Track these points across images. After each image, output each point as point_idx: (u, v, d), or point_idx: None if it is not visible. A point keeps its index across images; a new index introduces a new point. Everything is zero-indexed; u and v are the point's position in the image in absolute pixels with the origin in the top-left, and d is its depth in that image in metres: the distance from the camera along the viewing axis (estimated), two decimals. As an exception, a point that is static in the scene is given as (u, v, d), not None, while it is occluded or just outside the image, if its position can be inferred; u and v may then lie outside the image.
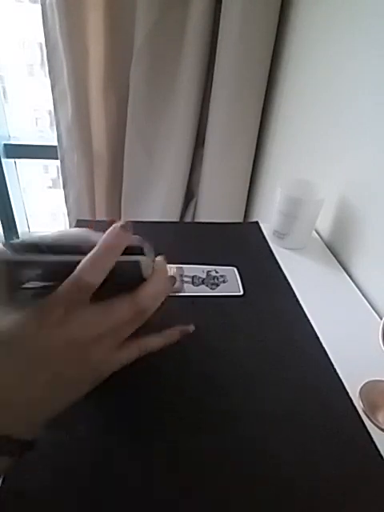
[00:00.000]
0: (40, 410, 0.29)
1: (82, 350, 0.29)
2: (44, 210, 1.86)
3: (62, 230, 0.35)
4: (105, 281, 0.30)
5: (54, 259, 0.30)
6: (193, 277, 0.57)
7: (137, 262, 0.32)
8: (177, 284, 0.56)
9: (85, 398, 0.31)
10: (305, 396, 0.41)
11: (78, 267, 0.29)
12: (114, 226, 0.33)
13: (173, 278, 0.38)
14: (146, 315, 0.32)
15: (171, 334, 0.38)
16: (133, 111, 1.09)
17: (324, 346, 0.47)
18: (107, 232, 0.32)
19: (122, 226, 0.33)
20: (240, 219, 1.25)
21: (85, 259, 0.29)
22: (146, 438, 0.35)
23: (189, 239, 0.67)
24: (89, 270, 0.29)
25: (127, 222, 0.33)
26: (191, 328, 0.40)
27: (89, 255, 0.30)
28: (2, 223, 1.47)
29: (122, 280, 0.31)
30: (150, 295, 0.33)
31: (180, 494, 0.32)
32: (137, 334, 0.33)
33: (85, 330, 0.29)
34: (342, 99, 0.69)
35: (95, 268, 0.29)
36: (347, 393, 0.41)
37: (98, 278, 0.29)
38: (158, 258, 0.36)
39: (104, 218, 1.30)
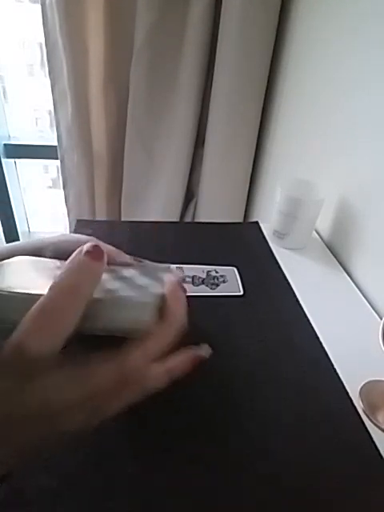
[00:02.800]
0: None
1: (49, 420, 0.23)
2: (44, 210, 1.85)
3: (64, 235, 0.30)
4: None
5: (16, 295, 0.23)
6: (193, 277, 0.57)
7: (142, 304, 0.25)
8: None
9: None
10: (305, 396, 0.41)
11: (19, 327, 0.21)
12: (78, 250, 0.23)
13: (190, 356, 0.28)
14: (134, 386, 0.25)
15: (178, 366, 0.28)
16: (133, 111, 1.09)
17: (324, 346, 0.47)
18: (67, 263, 0.23)
19: (89, 252, 0.23)
20: (240, 219, 1.25)
21: (28, 315, 0.21)
22: (145, 438, 0.35)
23: (189, 239, 0.67)
24: (32, 334, 0.21)
25: (97, 247, 0.23)
26: (207, 351, 0.30)
27: (33, 308, 0.21)
28: (1, 223, 1.47)
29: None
30: (144, 356, 0.25)
31: (180, 494, 0.32)
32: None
33: (54, 398, 0.22)
34: (342, 99, 0.69)
35: (40, 331, 0.21)
36: (347, 393, 0.41)
37: (45, 346, 0.21)
38: (169, 281, 0.28)
39: (104, 218, 1.30)
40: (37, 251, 0.29)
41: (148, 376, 0.26)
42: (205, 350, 0.30)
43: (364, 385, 0.42)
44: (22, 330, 0.21)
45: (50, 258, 0.30)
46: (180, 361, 0.28)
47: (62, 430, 0.23)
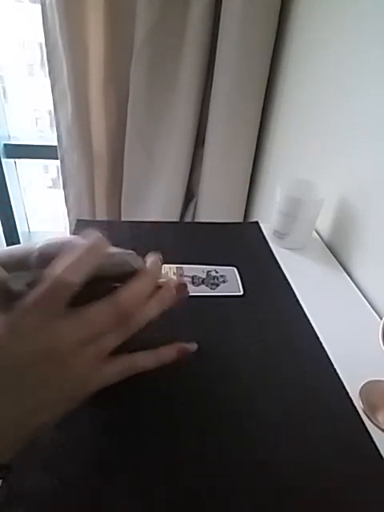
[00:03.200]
0: (13, 431, 0.26)
1: (59, 361, 0.26)
2: (44, 210, 1.85)
3: (49, 240, 0.33)
4: (89, 287, 0.27)
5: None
6: (193, 277, 0.57)
7: (123, 261, 0.30)
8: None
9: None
10: (305, 396, 0.41)
11: (56, 266, 0.26)
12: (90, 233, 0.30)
13: (173, 284, 0.34)
14: (130, 320, 0.29)
15: (166, 353, 0.33)
16: (133, 111, 1.09)
17: (324, 345, 0.47)
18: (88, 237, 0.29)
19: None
20: (240, 219, 1.25)
21: (63, 258, 0.26)
22: (145, 438, 0.35)
23: (189, 239, 0.67)
24: (67, 268, 0.26)
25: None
26: (193, 347, 0.35)
27: (69, 255, 0.27)
28: (2, 223, 1.47)
29: (108, 284, 0.29)
30: (133, 295, 0.29)
31: (180, 495, 0.32)
32: (126, 351, 0.30)
33: (62, 338, 0.26)
34: (342, 99, 0.69)
35: (74, 266, 0.26)
36: (347, 393, 0.41)
37: (77, 277, 0.26)
38: (151, 258, 0.33)
39: (104, 218, 1.30)
40: (21, 264, 0.32)
41: (140, 311, 0.30)
42: (192, 346, 0.35)
43: (364, 385, 0.42)
44: (59, 268, 0.26)
45: (36, 267, 0.32)
46: (168, 347, 0.34)
47: (77, 373, 0.27)
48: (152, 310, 0.31)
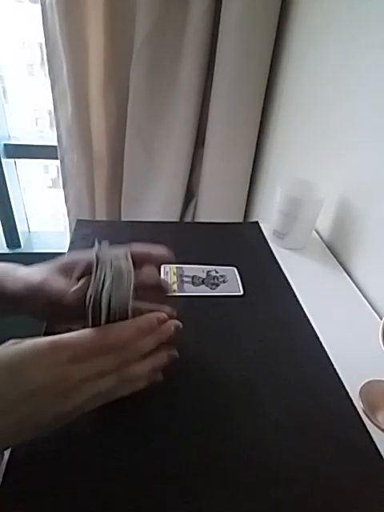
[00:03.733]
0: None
1: (62, 395, 0.29)
2: (44, 210, 1.85)
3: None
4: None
5: None
6: (193, 277, 0.57)
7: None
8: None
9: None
10: (305, 396, 0.41)
11: (125, 330, 0.32)
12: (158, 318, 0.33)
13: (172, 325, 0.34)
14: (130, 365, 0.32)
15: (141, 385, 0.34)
16: (133, 111, 1.09)
17: (324, 345, 0.47)
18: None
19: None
20: (240, 219, 1.25)
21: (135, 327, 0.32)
22: (145, 439, 0.35)
23: (189, 239, 0.67)
24: (135, 342, 0.32)
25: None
26: (174, 354, 0.36)
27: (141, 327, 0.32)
28: (2, 223, 1.46)
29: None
30: (137, 350, 0.32)
31: (180, 495, 0.32)
32: None
33: (72, 375, 0.29)
34: (341, 99, 0.69)
35: (141, 344, 0.32)
36: (347, 393, 0.41)
37: (135, 355, 0.32)
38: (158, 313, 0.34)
39: (104, 218, 1.30)
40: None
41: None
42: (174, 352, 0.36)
43: (364, 385, 0.42)
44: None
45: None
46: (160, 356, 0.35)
47: (64, 409, 0.29)
48: (150, 361, 0.34)
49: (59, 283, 0.38)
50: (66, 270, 0.40)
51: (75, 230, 0.66)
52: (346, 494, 0.33)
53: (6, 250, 1.50)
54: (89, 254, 0.36)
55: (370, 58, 0.61)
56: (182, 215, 1.27)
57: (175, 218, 1.24)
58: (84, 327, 0.31)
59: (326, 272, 0.63)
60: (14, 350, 0.28)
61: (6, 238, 1.50)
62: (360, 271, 0.61)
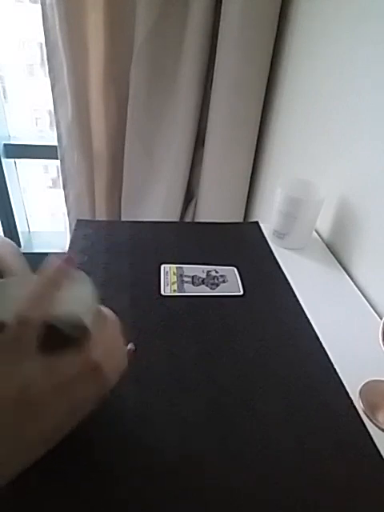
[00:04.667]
0: None
1: (28, 408, 0.25)
2: (44, 210, 1.85)
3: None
4: (50, 333, 0.26)
5: None
6: (193, 277, 0.57)
7: (75, 319, 0.28)
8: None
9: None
10: (305, 396, 0.41)
11: (17, 306, 0.26)
12: (53, 259, 0.29)
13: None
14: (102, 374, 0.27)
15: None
16: (133, 111, 1.09)
17: (324, 346, 0.47)
18: (47, 267, 0.29)
19: (65, 259, 0.29)
20: (240, 219, 1.25)
21: (23, 297, 0.26)
22: (144, 437, 0.35)
23: (189, 239, 0.67)
24: (27, 305, 0.26)
25: (70, 257, 0.30)
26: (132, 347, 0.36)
27: (27, 292, 0.27)
28: (1, 223, 1.47)
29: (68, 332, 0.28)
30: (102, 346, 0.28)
31: (180, 495, 0.32)
32: None
33: (34, 383, 0.25)
34: (341, 99, 0.69)
35: (35, 301, 0.26)
36: (347, 393, 0.41)
37: (39, 312, 0.26)
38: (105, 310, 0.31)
39: (104, 218, 1.30)
40: None
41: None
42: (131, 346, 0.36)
43: (364, 385, 0.42)
44: (21, 306, 0.25)
45: None
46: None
47: (41, 427, 0.25)
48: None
49: None
50: None
51: (75, 229, 0.66)
52: (346, 494, 0.33)
53: (6, 250, 1.50)
54: None
55: (370, 58, 0.61)
56: (182, 215, 1.27)
57: (175, 218, 1.24)
58: None
59: (326, 272, 0.63)
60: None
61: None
62: (360, 271, 0.61)
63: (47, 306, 0.26)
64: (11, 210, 1.44)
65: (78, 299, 0.29)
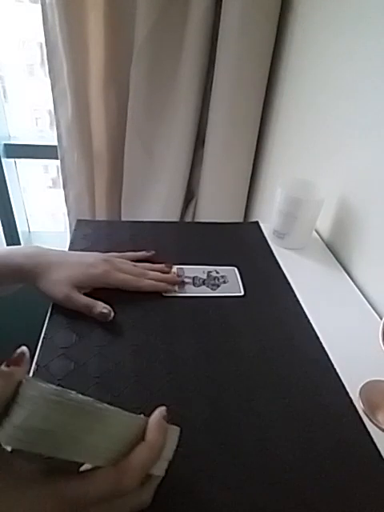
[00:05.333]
0: None
1: None
2: (44, 209, 1.85)
3: None
4: None
5: None
6: (193, 278, 0.57)
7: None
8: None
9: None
10: (305, 396, 0.41)
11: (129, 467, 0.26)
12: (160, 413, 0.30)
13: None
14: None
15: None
16: (133, 111, 1.09)
17: (324, 346, 0.47)
18: None
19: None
20: (240, 219, 1.25)
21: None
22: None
23: (189, 239, 0.67)
24: (137, 479, 0.26)
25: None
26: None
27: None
28: (2, 223, 1.47)
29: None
30: (137, 472, 0.27)
31: (180, 495, 0.32)
32: None
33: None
34: (341, 99, 0.69)
35: (142, 472, 0.27)
36: (347, 393, 0.41)
37: (140, 477, 0.27)
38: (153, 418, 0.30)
39: (104, 218, 1.30)
40: None
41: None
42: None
43: (364, 385, 0.42)
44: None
45: None
46: None
47: None
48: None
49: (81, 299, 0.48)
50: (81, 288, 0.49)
51: (75, 229, 0.66)
52: (346, 494, 0.33)
53: (6, 250, 1.50)
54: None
55: (370, 58, 0.61)
56: (182, 215, 1.27)
57: (175, 218, 1.24)
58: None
59: (326, 272, 0.63)
60: None
61: (6, 238, 1.50)
62: (360, 271, 0.61)
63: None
64: (11, 209, 1.44)
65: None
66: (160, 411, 0.30)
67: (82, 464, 0.28)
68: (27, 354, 0.28)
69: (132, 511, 0.28)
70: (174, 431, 0.31)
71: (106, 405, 0.28)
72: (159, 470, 0.29)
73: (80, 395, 0.27)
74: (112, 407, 0.28)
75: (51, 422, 0.25)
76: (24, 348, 0.28)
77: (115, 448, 0.27)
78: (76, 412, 0.26)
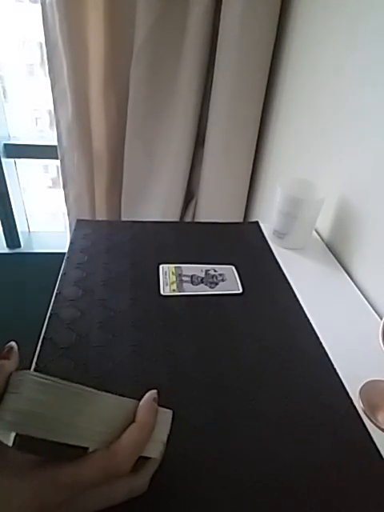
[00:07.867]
0: None
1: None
2: (44, 210, 1.85)
3: None
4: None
5: None
6: (192, 276, 0.57)
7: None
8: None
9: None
10: (305, 396, 0.41)
11: (118, 448, 0.26)
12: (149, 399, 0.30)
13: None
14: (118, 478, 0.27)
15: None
16: (133, 111, 1.09)
17: (324, 346, 0.47)
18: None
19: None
20: (240, 219, 1.25)
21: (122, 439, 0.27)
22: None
23: (189, 239, 0.67)
24: (129, 457, 0.27)
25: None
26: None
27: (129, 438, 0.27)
28: (2, 223, 1.47)
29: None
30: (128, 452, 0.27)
31: (179, 495, 0.32)
32: None
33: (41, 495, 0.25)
34: (341, 99, 0.69)
35: (134, 454, 0.27)
36: (347, 393, 0.41)
37: (132, 462, 0.27)
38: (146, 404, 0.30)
39: (104, 218, 1.30)
40: None
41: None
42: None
43: (364, 385, 0.42)
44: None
45: None
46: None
47: None
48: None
49: None
50: None
51: (75, 229, 0.66)
52: (346, 494, 0.33)
53: (5, 250, 1.50)
54: None
55: (370, 58, 0.61)
56: (182, 215, 1.27)
57: (175, 218, 1.24)
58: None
59: (326, 272, 0.63)
60: None
61: (6, 238, 1.50)
62: (360, 271, 0.61)
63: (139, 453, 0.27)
64: (11, 209, 1.44)
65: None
66: (150, 393, 0.31)
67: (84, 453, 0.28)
68: (15, 348, 0.29)
69: (130, 495, 0.28)
70: (166, 413, 0.31)
71: (96, 390, 0.28)
72: (154, 452, 0.29)
73: (72, 383, 0.27)
74: (102, 392, 0.28)
75: (38, 403, 0.25)
76: (12, 343, 0.29)
77: (106, 430, 0.27)
78: (63, 393, 0.26)
